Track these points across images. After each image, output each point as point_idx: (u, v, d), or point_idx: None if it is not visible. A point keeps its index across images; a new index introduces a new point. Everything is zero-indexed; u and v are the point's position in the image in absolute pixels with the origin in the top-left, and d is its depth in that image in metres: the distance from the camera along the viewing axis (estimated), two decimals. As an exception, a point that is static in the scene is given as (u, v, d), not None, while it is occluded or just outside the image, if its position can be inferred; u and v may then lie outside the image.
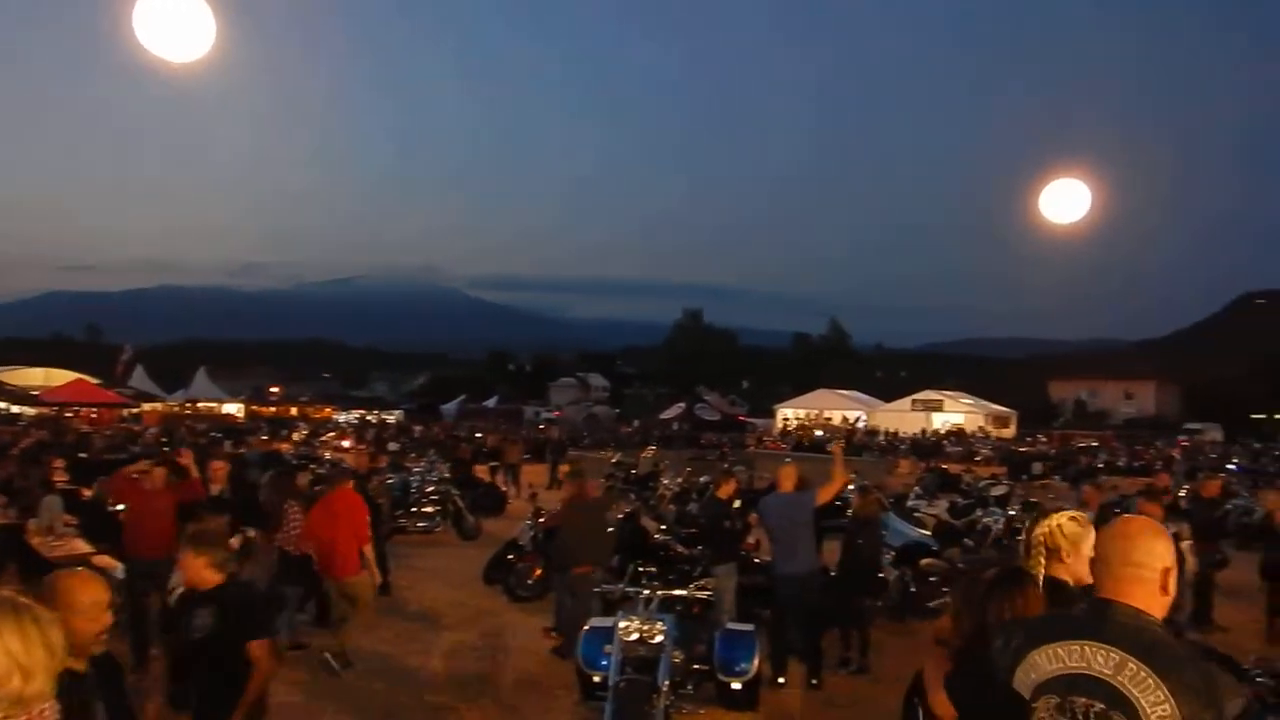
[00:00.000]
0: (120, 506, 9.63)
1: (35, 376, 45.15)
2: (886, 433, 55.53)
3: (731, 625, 7.81)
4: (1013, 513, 16.77)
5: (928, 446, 46.45)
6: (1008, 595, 3.11)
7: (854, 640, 9.16)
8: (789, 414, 66.37)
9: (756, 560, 10.37)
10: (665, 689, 6.42)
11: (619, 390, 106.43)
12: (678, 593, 7.78)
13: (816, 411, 65.13)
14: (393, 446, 32.11)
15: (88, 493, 12.31)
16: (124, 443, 27.18)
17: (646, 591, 7.15)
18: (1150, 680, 2.28)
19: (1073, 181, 7.02)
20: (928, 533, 14.34)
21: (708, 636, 7.52)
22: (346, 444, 38.27)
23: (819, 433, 54.09)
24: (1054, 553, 3.34)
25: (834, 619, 9.26)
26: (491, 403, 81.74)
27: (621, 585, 8.06)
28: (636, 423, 65.08)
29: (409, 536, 16.24)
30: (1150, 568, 2.46)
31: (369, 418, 64.26)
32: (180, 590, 5.84)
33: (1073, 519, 3.42)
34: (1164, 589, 2.47)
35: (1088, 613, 2.52)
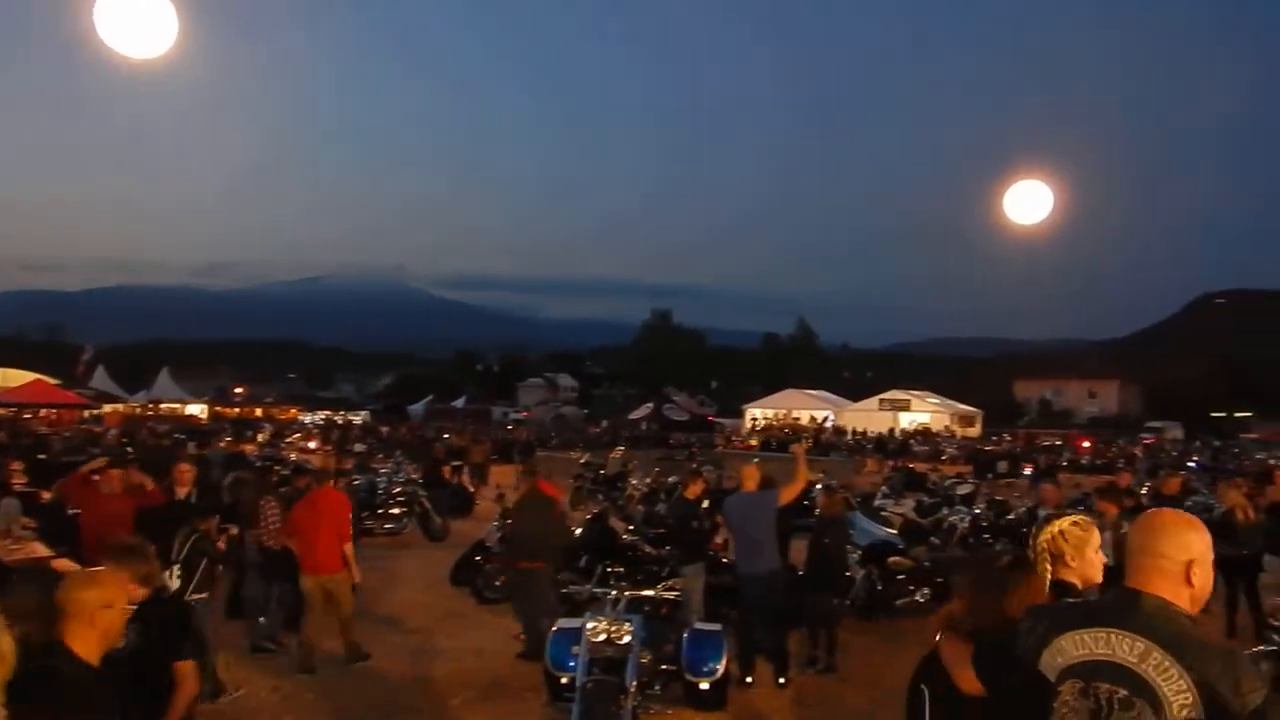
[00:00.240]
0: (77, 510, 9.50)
1: (-8, 376, 44.38)
2: (854, 432, 55.87)
3: (699, 625, 7.81)
4: (978, 511, 16.96)
5: (891, 445, 46.76)
6: (1024, 580, 3.23)
7: (821, 639, 9.20)
8: (757, 414, 66.59)
9: (724, 560, 10.39)
10: (633, 689, 6.42)
11: (587, 390, 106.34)
12: (645, 593, 7.77)
13: (784, 411, 65.42)
14: (359, 447, 31.90)
15: (47, 495, 12.11)
16: (84, 444, 26.80)
17: (614, 592, 7.14)
18: (1174, 670, 2.31)
19: (1035, 183, 7.09)
20: (894, 531, 14.44)
21: (675, 637, 7.52)
22: (312, 445, 38.03)
23: (787, 431, 54.32)
24: (1058, 557, 3.39)
25: (800, 618, 9.30)
26: (459, 403, 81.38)
27: (589, 586, 8.05)
28: (605, 423, 65.10)
29: (376, 538, 16.13)
30: (1172, 559, 2.49)
31: (335, 419, 63.73)
32: None
33: (1074, 523, 3.47)
34: (1188, 580, 2.49)
35: (1116, 601, 2.56)
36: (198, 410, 60.70)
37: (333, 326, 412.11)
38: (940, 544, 14.94)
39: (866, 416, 61.69)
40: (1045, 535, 3.44)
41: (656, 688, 7.17)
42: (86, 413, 44.19)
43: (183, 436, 32.10)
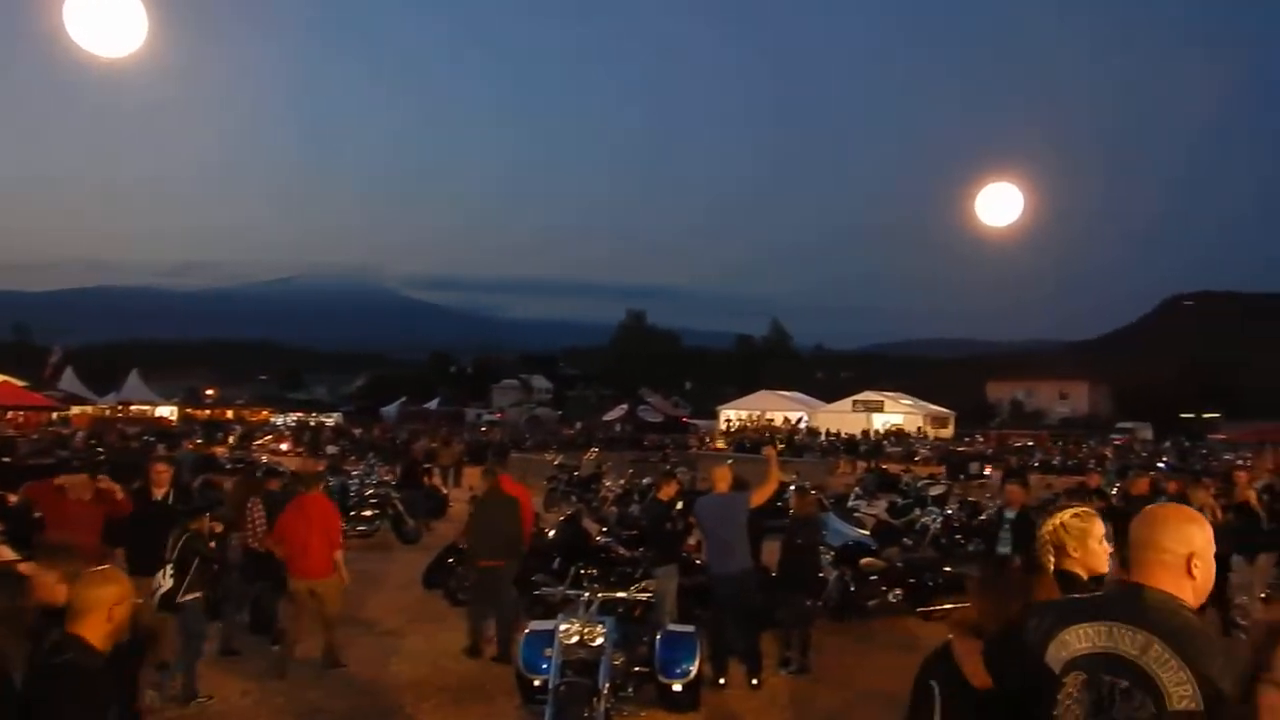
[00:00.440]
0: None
1: (-43, 379, 43.74)
2: (828, 433, 56.09)
3: (672, 627, 7.79)
4: (950, 511, 17.05)
5: (862, 447, 46.91)
6: (1037, 583, 3.34)
7: (794, 640, 9.21)
8: (731, 415, 66.74)
9: (697, 562, 10.39)
10: (605, 691, 6.39)
11: (562, 392, 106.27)
12: (618, 595, 7.75)
13: (758, 412, 65.61)
14: (331, 449, 31.68)
15: (13, 498, 11.93)
16: (51, 447, 26.49)
17: (587, 594, 7.11)
18: (1174, 661, 2.35)
19: (1006, 185, 7.15)
20: (867, 532, 14.50)
21: (649, 638, 7.50)
22: (284, 447, 37.81)
23: (761, 433, 54.43)
24: (1061, 548, 3.52)
25: (773, 619, 9.31)
26: (433, 405, 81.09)
27: (562, 588, 8.01)
28: (579, 424, 65.00)
29: (348, 541, 15.91)
30: (1173, 552, 2.54)
31: (307, 420, 63.32)
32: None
33: (1076, 515, 3.60)
34: (1189, 573, 2.54)
35: (1120, 595, 2.61)
36: (168, 412, 60.20)
37: (304, 327, 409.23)
38: (913, 545, 15.02)
39: (840, 418, 61.99)
40: (1048, 526, 3.58)
41: (630, 689, 7.15)
42: (54, 415, 43.66)
43: (152, 439, 31.79)
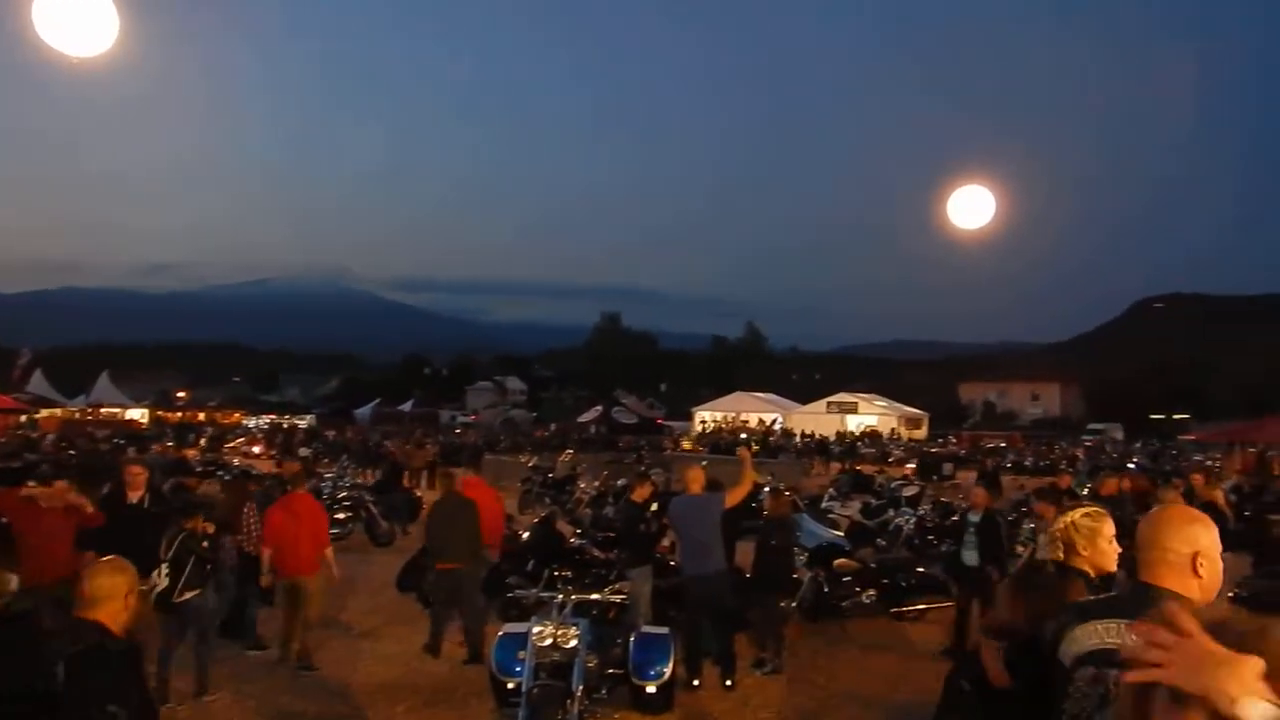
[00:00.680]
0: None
1: (-77, 382, 43.18)
2: (803, 434, 56.24)
3: (647, 628, 7.78)
4: (923, 512, 17.12)
5: (834, 449, 46.98)
6: (1067, 587, 3.43)
7: (768, 641, 9.22)
8: (706, 417, 66.80)
9: (672, 563, 10.38)
10: (579, 694, 6.37)
11: (537, 394, 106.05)
12: (593, 597, 7.74)
13: (733, 414, 65.70)
14: (304, 452, 31.42)
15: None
16: (19, 450, 26.14)
17: (560, 596, 7.09)
18: None
19: (978, 188, 7.20)
20: (840, 533, 14.54)
21: (623, 640, 7.49)
22: (257, 450, 37.53)
23: (742, 435, 54.49)
24: (1070, 546, 3.62)
25: (747, 620, 9.32)
26: (407, 406, 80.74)
27: (536, 590, 7.99)
28: (554, 426, 64.87)
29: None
30: (1177, 551, 2.61)
31: (280, 422, 62.86)
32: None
33: (1086, 515, 3.69)
34: (1195, 572, 2.60)
35: (1130, 594, 2.70)
36: (139, 415, 59.61)
37: (277, 329, 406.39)
38: (886, 546, 15.09)
39: (815, 419, 62.20)
40: (1058, 525, 3.69)
41: (603, 691, 7.13)
42: (23, 417, 43.09)
43: (122, 441, 31.44)
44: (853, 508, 18.33)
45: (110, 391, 59.66)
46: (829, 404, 65.72)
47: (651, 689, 7.19)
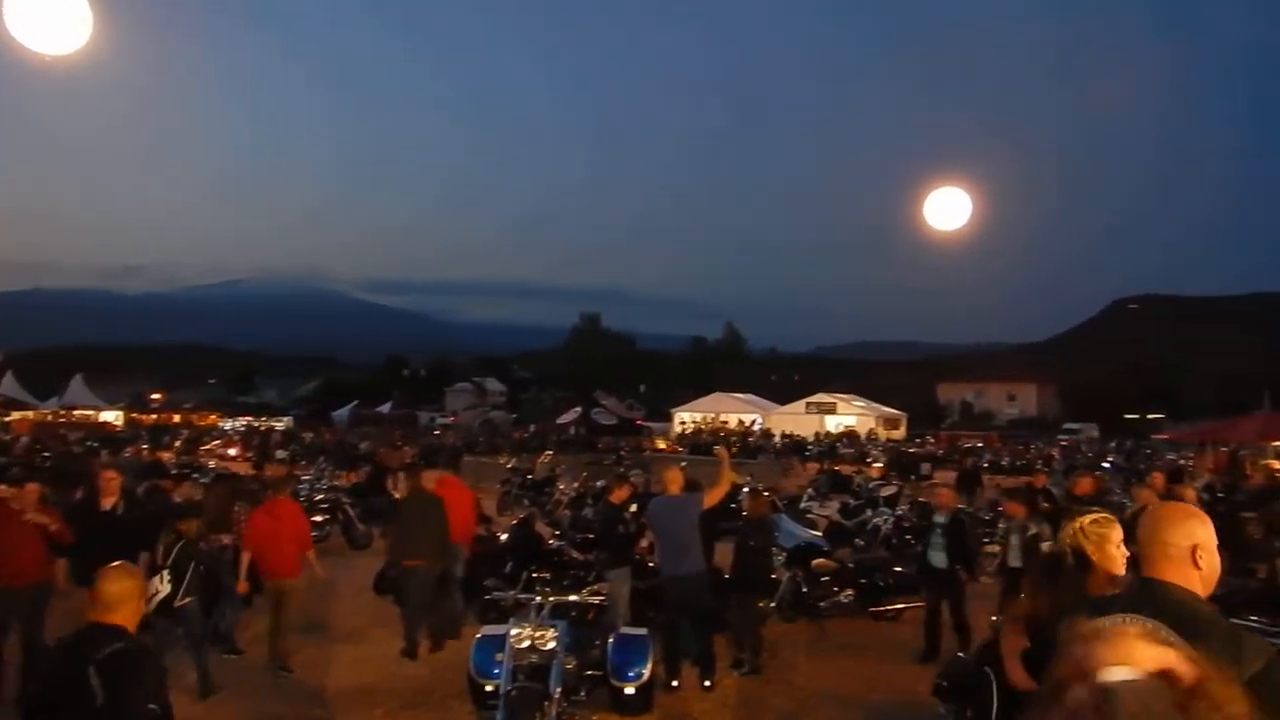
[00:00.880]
0: None
1: (-108, 384, 42.64)
2: (783, 435, 56.37)
3: (625, 630, 7.79)
4: (900, 512, 17.17)
5: (809, 449, 47.06)
6: (1086, 577, 3.58)
7: (747, 641, 9.23)
8: (685, 417, 66.83)
9: (651, 564, 10.38)
10: (557, 696, 6.36)
11: (516, 395, 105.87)
12: (571, 598, 7.73)
13: (713, 415, 65.77)
14: (281, 454, 31.19)
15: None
16: (-9, 453, 25.82)
17: (539, 598, 7.07)
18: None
19: (955, 190, 7.24)
20: (819, 533, 14.59)
21: (601, 641, 7.49)
22: (233, 452, 37.24)
23: (723, 435, 54.55)
24: (1079, 551, 3.72)
25: (726, 621, 9.33)
26: (385, 408, 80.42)
27: (514, 592, 7.97)
28: (533, 427, 64.73)
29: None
30: (1177, 545, 2.74)
31: (256, 424, 62.42)
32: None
33: (1095, 521, 3.79)
34: (1195, 564, 2.73)
35: (1136, 589, 2.84)
36: (113, 417, 59.06)
37: (253, 331, 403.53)
38: (865, 545, 15.14)
39: (794, 420, 62.37)
40: (1068, 530, 3.80)
41: (582, 693, 7.12)
42: (-6, 420, 42.66)
43: (96, 444, 31.11)
44: (831, 508, 18.38)
45: (83, 393, 59.07)
46: (808, 404, 65.89)
47: (630, 690, 7.19)
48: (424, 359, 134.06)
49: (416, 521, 9.73)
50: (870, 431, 60.42)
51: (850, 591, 11.33)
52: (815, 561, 11.68)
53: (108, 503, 8.45)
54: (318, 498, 17.67)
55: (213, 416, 70.87)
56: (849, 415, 64.50)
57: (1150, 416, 71.65)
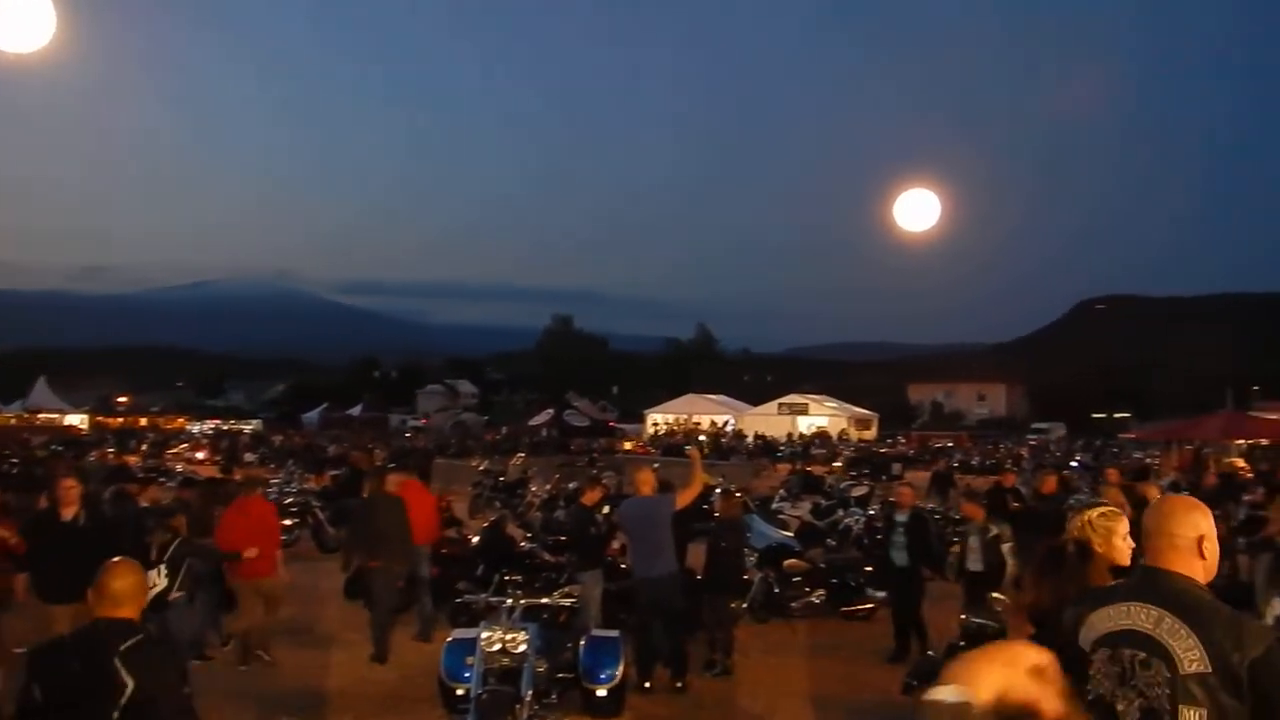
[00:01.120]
0: None
1: None
2: (757, 436, 56.46)
3: (597, 632, 7.77)
4: (872, 512, 17.24)
5: (779, 451, 47.17)
6: (1086, 566, 3.67)
7: (719, 642, 9.24)
8: (659, 419, 66.80)
9: (623, 566, 10.37)
10: (528, 699, 6.33)
11: (488, 397, 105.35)
12: (542, 601, 7.70)
13: (686, 416, 65.77)
14: (249, 457, 30.93)
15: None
16: (-47, 458, 25.36)
17: (510, 601, 7.04)
18: (1183, 630, 2.65)
19: (924, 191, 7.27)
20: (790, 534, 14.64)
21: (573, 644, 7.47)
22: (201, 456, 36.87)
23: (700, 437, 54.52)
24: (1085, 544, 3.81)
25: (698, 622, 9.33)
26: (356, 411, 79.88)
27: (485, 595, 7.93)
28: (505, 429, 64.47)
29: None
30: (1184, 537, 2.82)
31: (224, 428, 61.81)
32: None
33: (1102, 514, 3.89)
34: (1200, 555, 2.82)
35: (1138, 579, 2.93)
36: (78, 420, 58.31)
37: (222, 333, 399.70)
38: (836, 545, 15.19)
39: (766, 421, 62.49)
40: (1076, 523, 3.90)
41: (553, 696, 7.09)
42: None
43: (60, 448, 30.70)
44: (803, 508, 18.46)
45: (48, 397, 58.33)
46: (780, 405, 66.07)
47: (602, 692, 7.17)
48: (395, 361, 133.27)
49: (378, 523, 9.75)
50: (842, 432, 60.66)
51: (822, 592, 11.38)
52: (787, 562, 11.72)
53: (68, 513, 8.03)
54: (287, 501, 17.50)
55: (180, 420, 70.19)
56: (821, 416, 64.73)
57: (1117, 416, 72.47)
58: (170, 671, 3.73)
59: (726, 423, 62.57)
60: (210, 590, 9.59)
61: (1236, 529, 11.29)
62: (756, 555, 11.64)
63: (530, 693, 6.37)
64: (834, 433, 59.65)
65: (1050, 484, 12.91)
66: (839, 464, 31.42)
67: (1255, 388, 62.09)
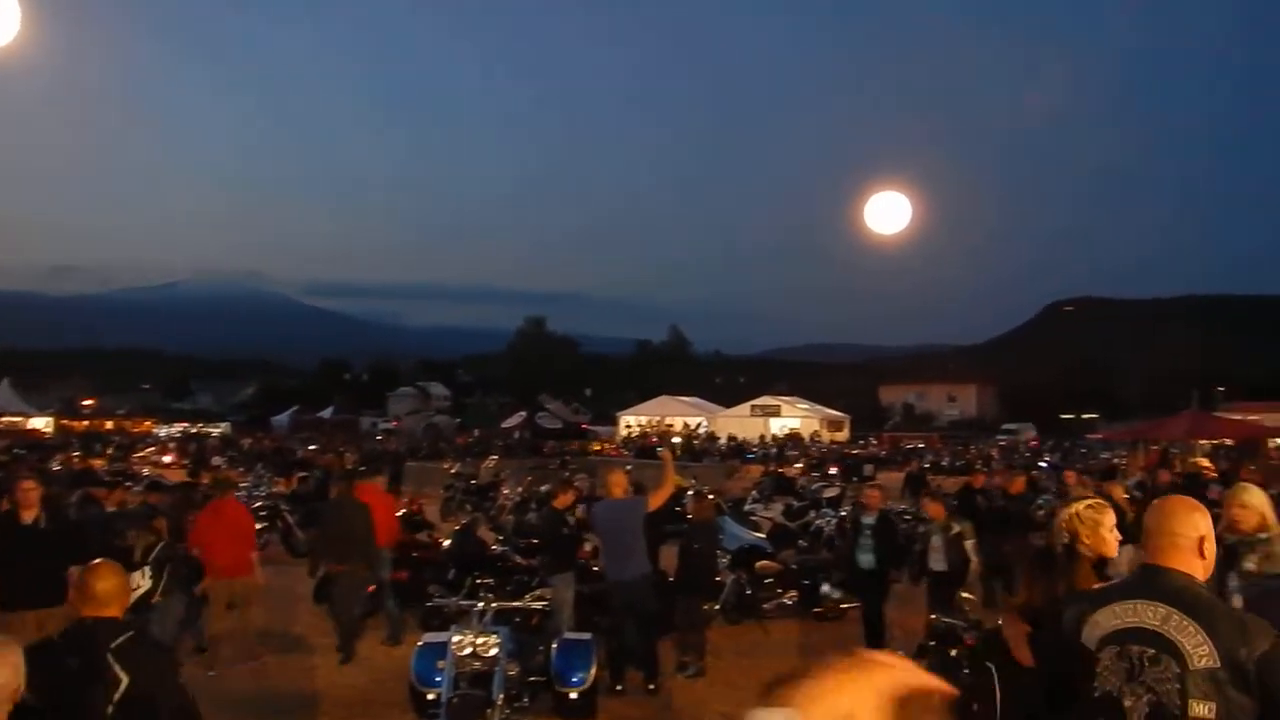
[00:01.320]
0: None
1: None
2: (729, 438, 56.54)
3: (569, 635, 7.74)
4: (844, 513, 17.31)
5: (749, 452, 47.30)
6: (1075, 567, 3.81)
7: (691, 643, 9.23)
8: (631, 420, 66.77)
9: (595, 568, 10.35)
10: (500, 703, 6.31)
11: (460, 399, 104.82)
12: (514, 604, 7.67)
13: (658, 418, 65.77)
14: (218, 461, 30.61)
15: None
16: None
17: (481, 604, 7.00)
18: (1191, 627, 2.73)
19: (895, 194, 7.32)
20: (763, 535, 14.67)
21: (545, 647, 7.44)
22: (168, 459, 36.45)
23: (674, 440, 54.53)
24: (1075, 535, 3.95)
25: (671, 624, 9.32)
26: (327, 413, 79.31)
27: (457, 599, 7.89)
28: (478, 432, 64.20)
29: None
30: (1186, 536, 2.91)
31: (192, 431, 61.12)
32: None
33: (1089, 506, 4.04)
34: (1200, 554, 2.91)
35: (1140, 577, 3.00)
36: (42, 424, 57.49)
37: (190, 334, 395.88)
38: (809, 547, 15.24)
39: (739, 422, 62.59)
40: (1064, 514, 4.04)
41: (525, 700, 7.06)
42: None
43: (22, 451, 30.24)
44: (775, 510, 18.48)
45: (11, 399, 57.49)
46: (753, 407, 66.20)
47: (574, 695, 7.15)
48: (366, 363, 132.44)
49: (341, 526, 9.77)
50: (814, 433, 60.89)
51: (794, 593, 11.42)
52: (759, 563, 11.75)
53: (27, 516, 7.70)
54: (256, 505, 17.30)
55: (147, 423, 69.36)
56: (793, 417, 64.92)
57: (1085, 416, 73.19)
58: (164, 668, 3.75)
59: (699, 425, 62.64)
60: (188, 593, 9.51)
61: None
62: (729, 557, 11.65)
63: (502, 696, 6.35)
64: (806, 434, 59.86)
65: (1018, 484, 13.03)
66: (800, 465, 31.54)
67: (1220, 389, 62.87)
